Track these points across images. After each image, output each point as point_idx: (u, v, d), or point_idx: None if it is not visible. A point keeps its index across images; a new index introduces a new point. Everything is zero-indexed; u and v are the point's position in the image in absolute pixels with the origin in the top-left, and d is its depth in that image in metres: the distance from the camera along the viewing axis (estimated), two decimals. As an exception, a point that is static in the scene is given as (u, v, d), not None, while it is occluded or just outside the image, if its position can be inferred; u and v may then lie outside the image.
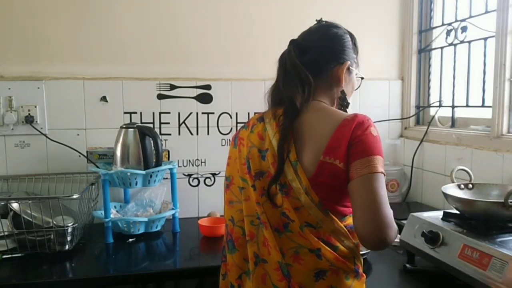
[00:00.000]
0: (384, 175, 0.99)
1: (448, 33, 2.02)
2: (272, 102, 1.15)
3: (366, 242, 0.97)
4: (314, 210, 1.00)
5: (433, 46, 2.16)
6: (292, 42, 1.15)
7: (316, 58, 1.13)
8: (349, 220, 1.05)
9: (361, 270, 1.06)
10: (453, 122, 2.01)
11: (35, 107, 1.89)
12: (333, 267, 1.00)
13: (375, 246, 0.97)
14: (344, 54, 1.15)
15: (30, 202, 1.58)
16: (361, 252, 1.10)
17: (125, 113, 1.99)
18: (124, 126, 1.78)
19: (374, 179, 0.96)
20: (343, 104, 1.18)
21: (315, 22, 1.21)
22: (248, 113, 2.11)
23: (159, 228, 1.86)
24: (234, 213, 1.12)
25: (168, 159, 1.98)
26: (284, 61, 1.13)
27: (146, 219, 1.77)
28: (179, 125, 2.06)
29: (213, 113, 2.08)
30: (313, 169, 1.01)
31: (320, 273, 1.00)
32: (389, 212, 0.96)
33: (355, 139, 0.99)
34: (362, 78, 1.25)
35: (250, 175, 1.08)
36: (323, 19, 1.21)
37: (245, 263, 1.09)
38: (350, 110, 2.28)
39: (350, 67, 1.16)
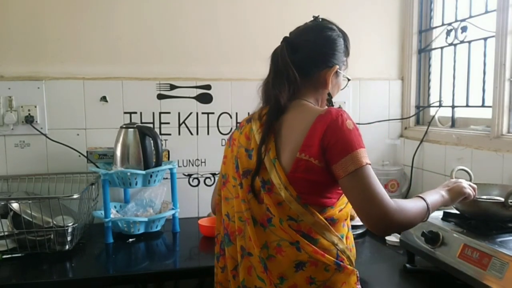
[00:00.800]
0: (370, 164, 1.02)
1: (448, 33, 2.02)
2: (262, 98, 1.19)
3: (377, 233, 1.03)
4: (294, 204, 1.04)
5: (433, 46, 2.16)
6: (285, 39, 1.18)
7: (306, 59, 1.16)
8: (330, 212, 1.08)
9: (345, 263, 1.07)
10: (453, 122, 2.01)
11: (35, 107, 1.89)
12: (311, 259, 1.04)
13: (386, 233, 1.06)
14: (334, 58, 1.17)
15: (30, 202, 1.58)
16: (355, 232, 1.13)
17: (125, 113, 1.99)
18: (124, 126, 1.78)
19: (363, 173, 1.00)
20: (329, 106, 1.20)
21: (312, 19, 1.22)
22: (248, 113, 2.10)
23: (159, 228, 1.86)
24: (230, 209, 1.17)
25: (168, 159, 1.98)
26: (276, 59, 1.17)
27: (146, 219, 1.77)
28: (179, 125, 2.06)
29: (213, 113, 2.08)
30: (290, 166, 1.05)
31: (299, 264, 1.04)
32: (386, 201, 0.99)
33: (333, 139, 1.01)
34: (349, 80, 1.27)
35: (238, 174, 1.14)
36: (320, 17, 1.22)
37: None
38: (350, 110, 2.29)
39: (338, 70, 1.18)
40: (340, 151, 1.01)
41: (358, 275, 1.12)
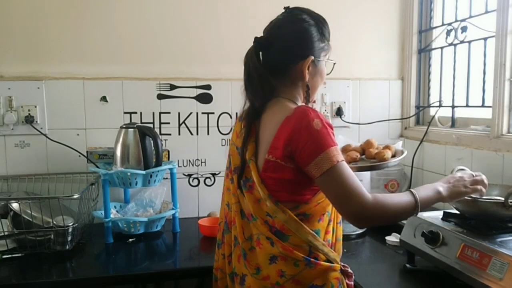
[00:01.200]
0: (343, 160, 1.03)
1: (448, 33, 2.01)
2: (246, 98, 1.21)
3: (357, 226, 1.09)
4: (268, 202, 1.08)
5: (433, 46, 2.16)
6: (255, 40, 1.18)
7: (279, 56, 1.16)
8: (304, 208, 1.09)
9: (319, 260, 1.08)
10: (453, 122, 2.01)
11: (35, 107, 1.89)
12: (281, 254, 1.07)
13: (365, 226, 1.13)
14: (307, 49, 1.15)
15: (30, 202, 1.58)
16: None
17: (125, 113, 1.99)
18: (124, 126, 1.78)
19: (336, 171, 1.01)
20: (307, 98, 1.19)
21: (283, 10, 1.22)
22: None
23: (159, 228, 1.86)
24: (229, 199, 1.22)
25: (168, 159, 1.98)
26: (247, 64, 1.18)
27: (146, 219, 1.77)
28: (179, 125, 2.06)
29: (213, 113, 2.08)
30: (262, 165, 1.10)
31: (273, 257, 1.08)
32: (362, 196, 1.00)
33: (300, 143, 1.02)
34: (334, 63, 1.24)
35: (230, 170, 1.20)
36: (291, 6, 1.21)
37: None
38: (350, 110, 2.28)
39: (316, 59, 1.16)
40: (310, 154, 1.02)
41: (349, 270, 1.14)
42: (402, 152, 1.56)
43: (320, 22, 1.18)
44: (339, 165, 1.02)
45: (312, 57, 1.15)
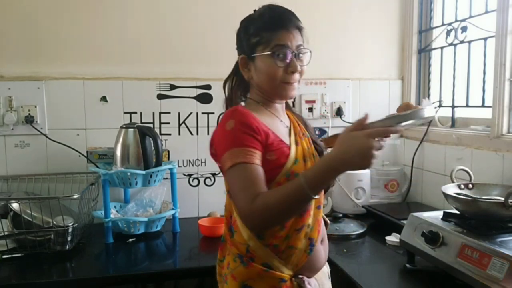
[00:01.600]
0: (245, 162, 0.98)
1: (448, 33, 2.01)
2: None
3: (253, 232, 1.07)
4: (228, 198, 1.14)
5: (433, 46, 2.16)
6: None
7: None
8: None
9: (252, 261, 1.07)
10: (453, 122, 2.01)
11: (35, 107, 1.89)
12: (228, 248, 1.14)
13: (259, 232, 1.06)
14: (239, 49, 1.17)
15: (30, 202, 1.58)
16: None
17: (125, 113, 1.99)
18: (124, 126, 1.79)
19: (230, 173, 1.02)
20: (264, 96, 1.18)
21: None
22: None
23: (159, 228, 1.86)
24: None
25: (168, 159, 1.98)
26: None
27: (146, 219, 1.77)
28: (179, 125, 2.06)
29: (213, 113, 2.08)
30: None
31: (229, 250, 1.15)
32: (243, 204, 0.98)
33: (215, 140, 1.09)
34: (281, 47, 1.08)
35: None
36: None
37: None
38: (350, 110, 2.28)
39: (250, 55, 1.11)
40: (219, 152, 1.05)
41: (307, 285, 1.07)
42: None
43: (258, 15, 1.13)
44: (234, 168, 0.99)
45: (242, 55, 1.14)
